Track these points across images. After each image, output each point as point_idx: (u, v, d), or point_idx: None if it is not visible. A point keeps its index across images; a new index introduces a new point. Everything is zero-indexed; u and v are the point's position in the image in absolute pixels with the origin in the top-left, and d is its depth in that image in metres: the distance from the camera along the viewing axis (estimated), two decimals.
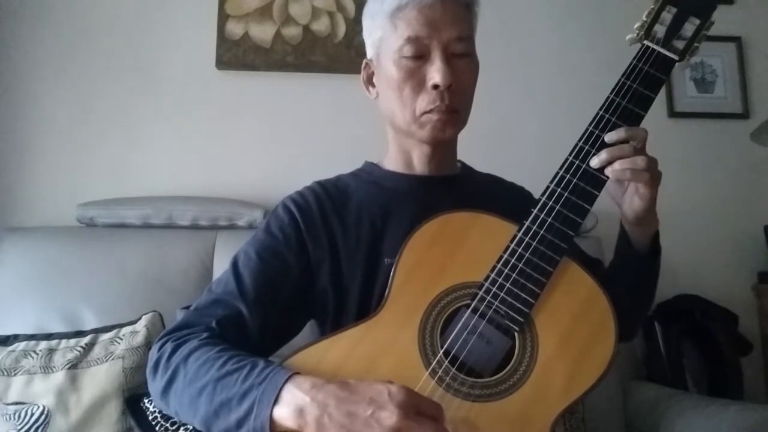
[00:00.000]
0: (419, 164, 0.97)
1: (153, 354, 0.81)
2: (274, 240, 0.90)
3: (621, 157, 0.79)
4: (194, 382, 0.74)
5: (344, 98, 1.89)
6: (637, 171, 0.78)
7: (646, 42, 0.84)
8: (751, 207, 1.98)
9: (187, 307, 0.89)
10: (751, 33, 2.08)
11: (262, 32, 1.92)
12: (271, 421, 0.67)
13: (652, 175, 0.79)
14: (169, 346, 0.79)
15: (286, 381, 0.69)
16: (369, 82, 0.99)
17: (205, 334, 0.80)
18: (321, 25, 1.95)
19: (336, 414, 0.65)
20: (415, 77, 0.88)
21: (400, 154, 0.99)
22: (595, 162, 0.80)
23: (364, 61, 0.98)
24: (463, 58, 0.90)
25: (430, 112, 0.88)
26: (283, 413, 0.67)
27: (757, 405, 1.35)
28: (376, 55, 0.94)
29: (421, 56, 0.87)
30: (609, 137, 0.80)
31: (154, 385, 0.80)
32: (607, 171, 0.79)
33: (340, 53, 1.93)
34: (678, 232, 1.91)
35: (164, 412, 0.79)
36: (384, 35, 0.90)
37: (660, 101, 1.96)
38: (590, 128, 0.82)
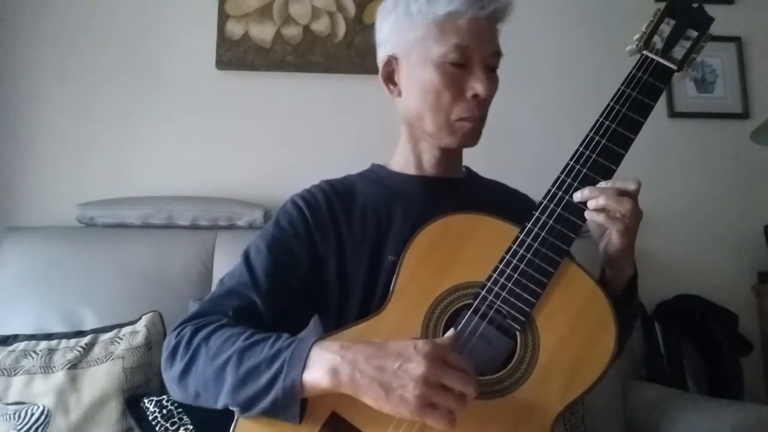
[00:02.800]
0: (428, 166, 0.99)
1: (170, 340, 0.81)
2: (284, 234, 0.92)
3: (600, 198, 0.78)
4: (218, 356, 0.75)
5: (344, 98, 1.89)
6: (615, 217, 0.77)
7: (645, 52, 0.86)
8: (751, 207, 1.98)
9: (200, 300, 0.89)
10: (751, 33, 2.08)
11: (262, 32, 1.92)
12: (302, 386, 0.69)
13: (627, 225, 0.78)
14: (188, 330, 0.80)
15: (313, 344, 0.71)
16: (389, 79, 0.97)
17: (224, 320, 0.81)
18: (321, 25, 1.95)
19: (366, 369, 0.67)
20: (455, 85, 0.89)
21: (411, 155, 1.00)
22: (577, 197, 0.80)
23: (385, 57, 0.95)
24: (494, 72, 0.92)
25: (465, 119, 0.90)
26: (316, 375, 0.69)
27: (757, 405, 1.35)
28: (406, 53, 0.92)
29: (463, 65, 0.88)
30: (600, 185, 0.79)
31: (172, 371, 0.79)
32: (587, 213, 0.79)
33: (340, 53, 1.93)
34: (678, 232, 1.91)
35: (179, 400, 0.79)
36: (426, 37, 0.89)
37: (660, 101, 1.95)
38: (591, 134, 0.83)
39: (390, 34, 0.94)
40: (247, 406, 0.73)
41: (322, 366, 0.68)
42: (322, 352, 0.70)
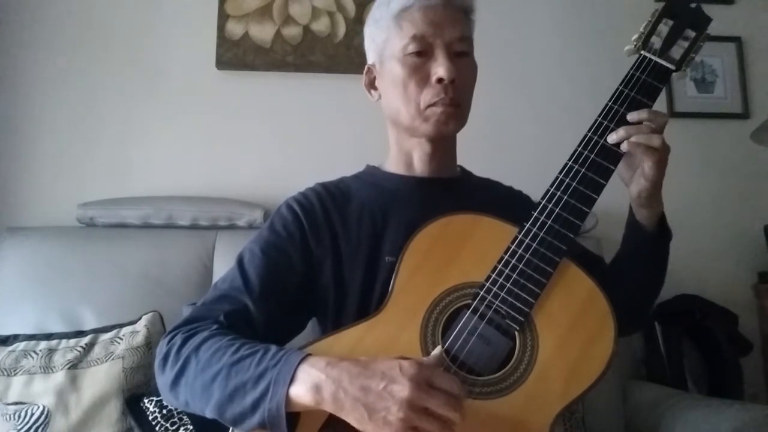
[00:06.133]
0: (420, 164, 0.99)
1: (162, 347, 0.81)
2: (278, 238, 0.92)
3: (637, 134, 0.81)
4: (207, 370, 0.75)
5: (344, 98, 1.89)
6: (649, 148, 0.80)
7: (643, 52, 0.86)
8: (751, 207, 1.98)
9: (194, 304, 0.89)
10: (751, 33, 2.08)
11: (262, 32, 1.92)
12: (287, 400, 0.69)
13: (661, 156, 0.82)
14: (179, 338, 0.80)
15: (301, 361, 0.70)
16: (371, 86, 1.02)
17: (214, 326, 0.81)
18: (321, 25, 1.95)
19: (350, 388, 0.67)
20: (419, 73, 0.91)
21: (402, 154, 1.00)
22: (612, 138, 0.82)
23: (366, 66, 1.01)
24: (464, 57, 0.93)
25: (434, 105, 0.91)
26: (299, 391, 0.69)
27: (757, 405, 1.35)
28: (380, 57, 0.97)
29: (425, 53, 0.91)
30: (631, 116, 0.82)
31: (163, 378, 0.80)
32: (623, 146, 0.81)
33: (340, 53, 1.93)
34: (678, 232, 1.89)
35: (172, 406, 0.80)
36: (389, 36, 0.94)
37: (660, 101, 1.94)
38: (589, 134, 0.84)
39: (368, 45, 1.01)
40: (235, 423, 0.74)
41: (306, 383, 0.68)
42: (309, 369, 0.69)
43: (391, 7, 0.92)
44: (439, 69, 0.89)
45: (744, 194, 2.00)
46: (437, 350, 0.75)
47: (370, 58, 1.01)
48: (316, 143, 1.89)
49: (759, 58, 2.08)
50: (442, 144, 0.97)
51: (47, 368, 1.31)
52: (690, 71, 0.88)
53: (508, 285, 0.78)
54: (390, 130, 1.01)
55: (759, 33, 2.08)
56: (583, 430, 1.43)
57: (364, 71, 1.02)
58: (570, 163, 0.83)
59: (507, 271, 0.79)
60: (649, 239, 0.91)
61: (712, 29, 0.86)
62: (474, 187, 1.04)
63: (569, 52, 2.03)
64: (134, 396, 1.30)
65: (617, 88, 0.85)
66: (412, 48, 0.90)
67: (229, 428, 0.77)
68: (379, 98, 1.00)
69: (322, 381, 0.68)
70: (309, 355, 0.72)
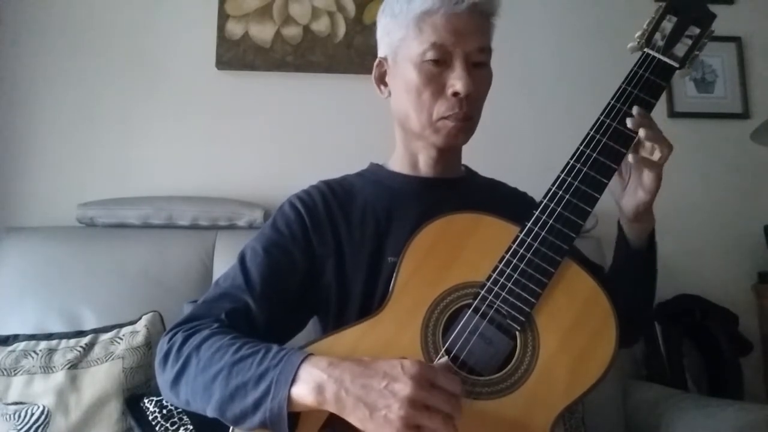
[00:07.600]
0: (425, 166, 0.98)
1: (162, 345, 0.81)
2: (280, 236, 0.91)
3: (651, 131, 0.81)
4: (208, 369, 0.75)
5: (344, 98, 1.89)
6: (651, 162, 0.81)
7: (646, 50, 0.85)
8: (751, 207, 1.98)
9: (195, 302, 0.89)
10: (751, 33, 2.08)
11: (262, 32, 1.92)
12: (289, 400, 0.68)
13: (661, 169, 0.82)
14: (179, 337, 0.80)
15: (303, 361, 0.70)
16: (381, 80, 0.99)
17: (215, 325, 0.81)
18: (321, 25, 1.95)
19: (352, 388, 0.67)
20: (435, 83, 0.88)
21: (407, 155, 0.99)
22: (630, 123, 0.81)
23: (377, 59, 0.98)
24: (482, 68, 0.91)
25: (446, 118, 0.89)
26: (301, 391, 0.68)
27: (757, 405, 1.35)
28: (393, 54, 0.94)
29: (443, 62, 0.88)
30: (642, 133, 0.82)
31: (164, 376, 0.79)
32: (641, 133, 0.81)
33: (340, 53, 1.93)
34: (678, 232, 1.91)
35: (172, 404, 0.79)
36: (406, 36, 0.90)
37: (660, 101, 1.95)
38: (591, 133, 0.83)
39: (381, 37, 0.97)
40: (236, 422, 0.74)
41: (308, 383, 0.68)
42: (311, 369, 0.69)
43: (413, 5, 0.87)
44: (457, 83, 0.86)
45: (744, 194, 2.00)
46: (444, 360, 0.74)
47: (382, 50, 0.97)
48: (316, 143, 1.89)
49: (759, 58, 2.08)
50: (449, 150, 0.97)
51: (47, 368, 1.31)
52: (693, 69, 0.86)
53: (510, 284, 0.78)
54: (397, 129, 1.00)
55: (759, 33, 2.08)
56: (584, 430, 1.43)
57: (375, 64, 0.98)
58: (572, 161, 0.82)
59: (508, 270, 0.78)
60: (640, 255, 0.90)
61: (713, 27, 0.85)
62: (478, 187, 1.04)
63: (569, 52, 2.03)
64: (134, 396, 1.30)
65: (620, 86, 0.84)
66: (430, 56, 0.87)
67: (229, 428, 0.77)
68: (388, 95, 0.98)
69: (324, 381, 0.68)
70: (310, 354, 0.72)
